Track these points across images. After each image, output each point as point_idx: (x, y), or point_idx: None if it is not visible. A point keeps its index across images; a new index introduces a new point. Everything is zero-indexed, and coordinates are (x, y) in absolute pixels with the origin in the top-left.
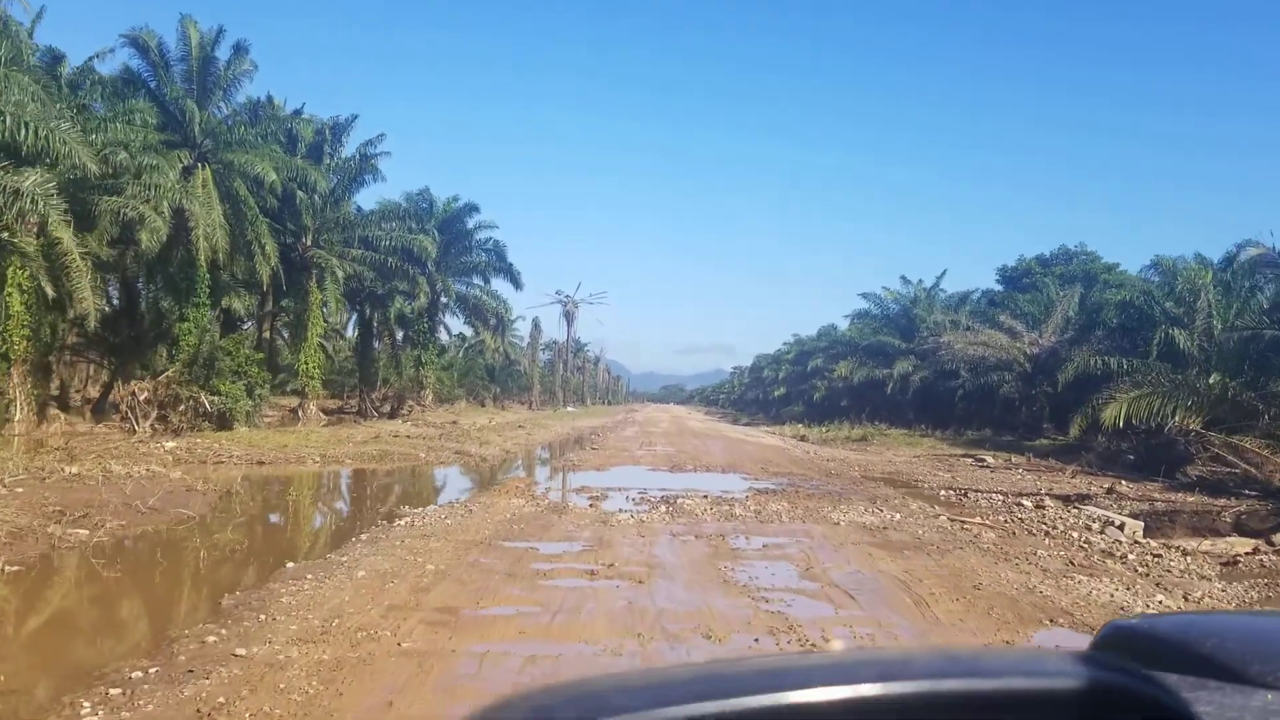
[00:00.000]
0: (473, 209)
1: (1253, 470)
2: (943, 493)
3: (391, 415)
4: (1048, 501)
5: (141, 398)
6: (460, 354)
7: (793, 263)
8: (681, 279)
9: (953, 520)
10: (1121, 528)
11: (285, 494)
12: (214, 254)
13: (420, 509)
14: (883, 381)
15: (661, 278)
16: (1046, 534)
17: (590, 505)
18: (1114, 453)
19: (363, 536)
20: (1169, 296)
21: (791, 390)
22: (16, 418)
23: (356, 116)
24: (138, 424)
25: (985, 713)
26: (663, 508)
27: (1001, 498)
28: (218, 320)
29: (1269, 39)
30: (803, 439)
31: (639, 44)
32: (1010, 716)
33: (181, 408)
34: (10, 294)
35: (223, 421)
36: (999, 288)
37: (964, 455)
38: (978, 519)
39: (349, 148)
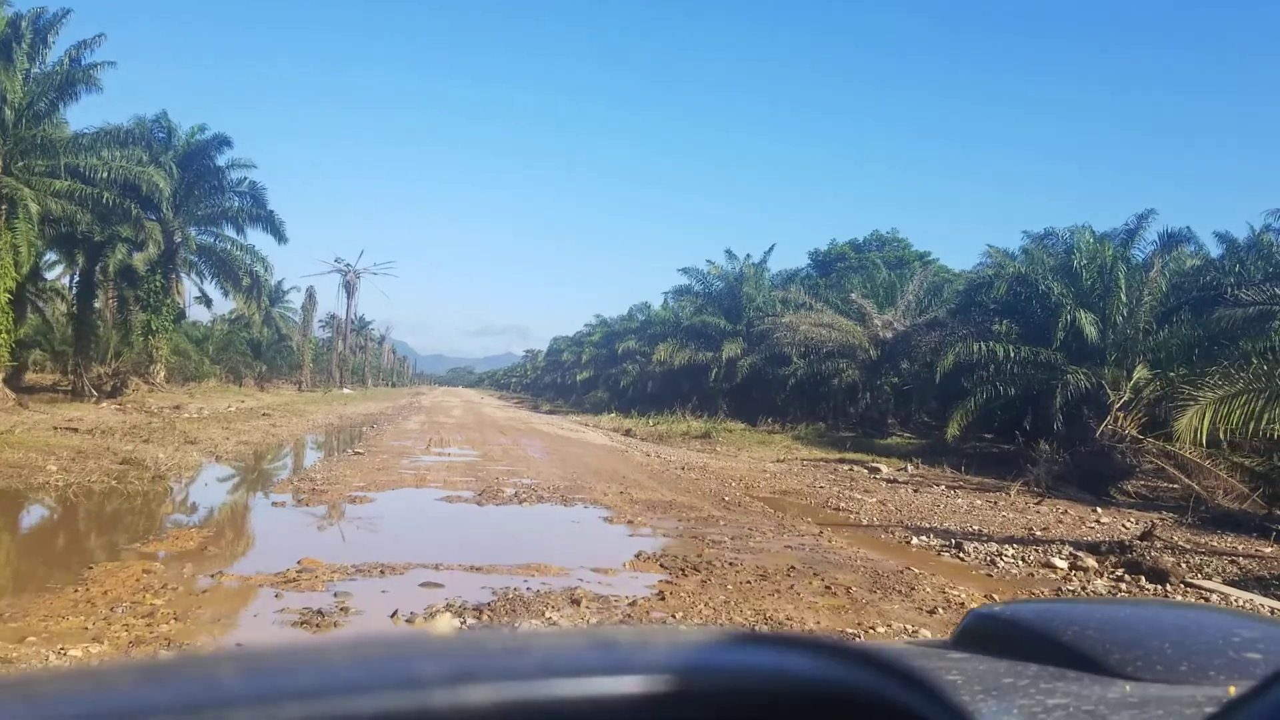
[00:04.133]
0: (224, 142)
1: (1193, 484)
2: (915, 540)
3: (112, 395)
4: (1088, 560)
5: None
6: (224, 326)
7: (593, 243)
8: (475, 257)
9: None
10: None
11: None
12: None
13: None
14: (706, 366)
15: (454, 255)
16: None
17: None
18: (1055, 463)
19: None
20: (1058, 274)
21: (598, 374)
22: None
23: (69, 10)
24: None
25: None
26: None
27: (1014, 551)
28: None
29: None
30: (629, 434)
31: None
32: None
33: None
34: None
35: None
36: (812, 272)
37: (839, 460)
38: None
39: (57, 51)
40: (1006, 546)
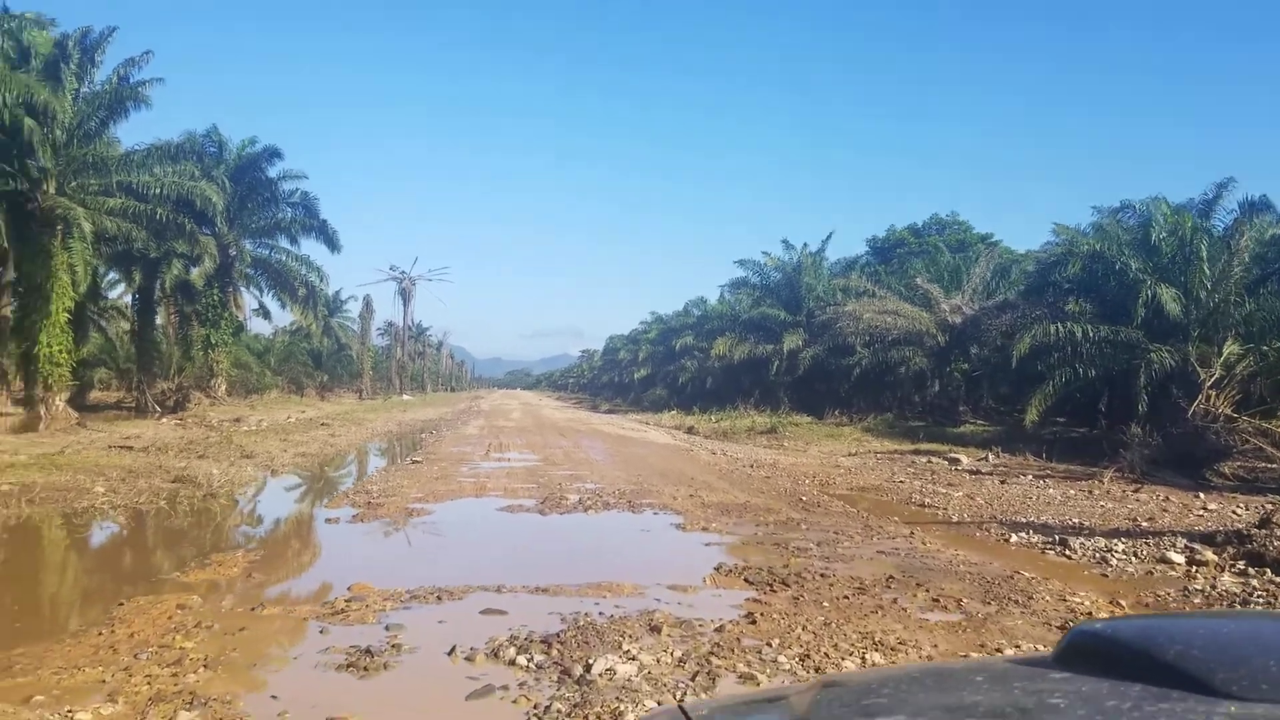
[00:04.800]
0: (274, 154)
1: None
2: (1013, 537)
3: (175, 410)
4: (1206, 554)
5: None
6: (284, 338)
7: (646, 241)
8: (529, 261)
9: None
10: None
11: None
12: None
13: None
14: (767, 359)
15: (508, 260)
16: None
17: None
18: (1146, 447)
19: None
20: (1134, 249)
21: (655, 372)
22: None
23: (114, 28)
24: None
25: None
26: None
27: (1124, 546)
28: None
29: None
30: (692, 431)
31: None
32: None
33: None
34: None
35: None
36: (872, 259)
37: (914, 452)
38: None
39: (105, 70)
40: (1115, 541)
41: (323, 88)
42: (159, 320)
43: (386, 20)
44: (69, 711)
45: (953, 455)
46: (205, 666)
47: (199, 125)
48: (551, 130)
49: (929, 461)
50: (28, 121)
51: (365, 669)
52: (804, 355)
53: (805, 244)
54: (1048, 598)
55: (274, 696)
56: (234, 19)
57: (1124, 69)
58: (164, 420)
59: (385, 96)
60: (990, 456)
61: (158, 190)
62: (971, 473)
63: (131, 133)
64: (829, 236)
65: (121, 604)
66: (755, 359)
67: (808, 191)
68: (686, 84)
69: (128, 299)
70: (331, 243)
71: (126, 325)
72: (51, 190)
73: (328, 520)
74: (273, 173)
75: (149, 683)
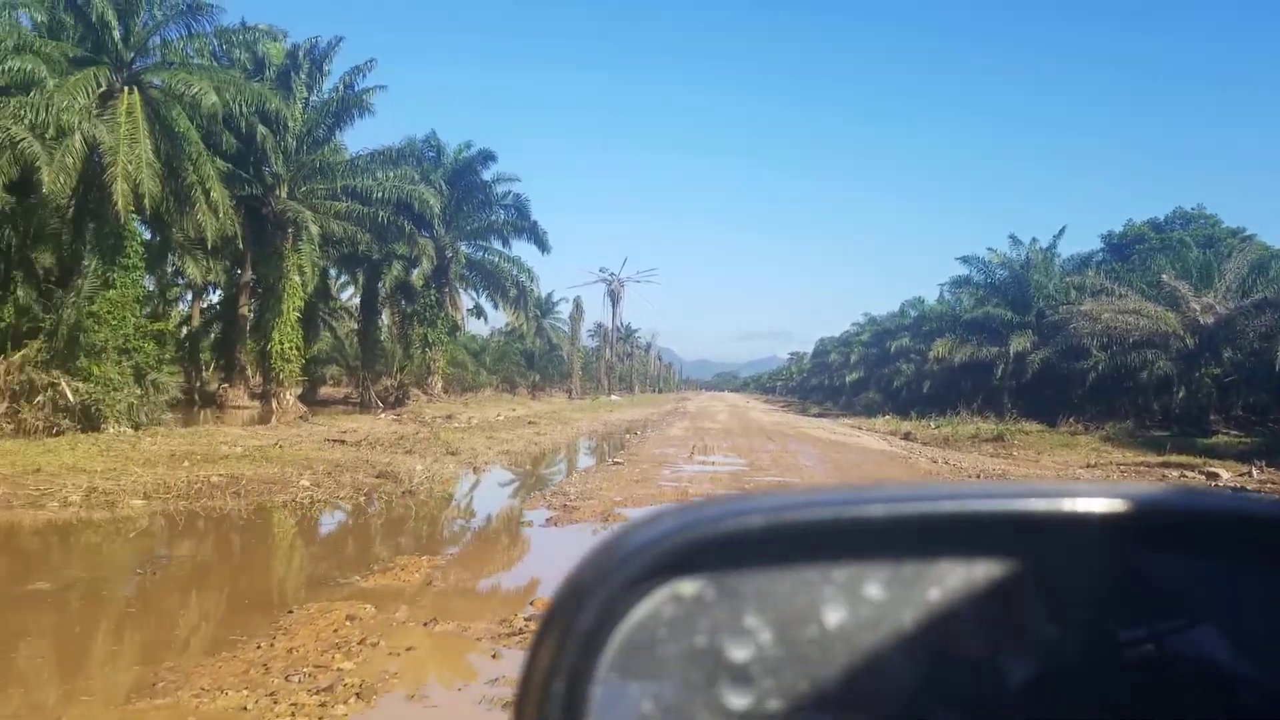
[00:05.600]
0: (489, 157)
1: None
2: None
3: (396, 405)
4: None
5: None
6: (500, 339)
7: (857, 241)
8: (738, 263)
9: None
10: None
11: None
12: (139, 200)
13: None
14: (991, 363)
15: (716, 261)
16: None
17: None
18: None
19: None
20: None
21: (868, 375)
22: None
23: (341, 39)
24: None
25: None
26: None
27: None
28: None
29: None
30: (909, 437)
31: (690, 11)
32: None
33: (39, 399)
34: None
35: (89, 419)
36: (1107, 256)
37: (1162, 465)
38: None
39: (332, 79)
40: None
41: (527, 86)
42: (383, 320)
43: (586, 19)
44: None
45: (1209, 469)
46: (358, 696)
47: (409, 125)
48: (765, 134)
49: (1181, 476)
50: (261, 129)
51: None
52: (1032, 358)
53: (1034, 239)
54: None
55: None
56: (448, 21)
57: None
58: (383, 415)
59: (591, 97)
60: (1254, 471)
61: (379, 194)
62: (1234, 490)
63: (351, 138)
64: (1061, 231)
65: (291, 611)
66: (977, 362)
67: (1033, 185)
68: (904, 75)
69: (356, 300)
70: (541, 244)
71: (354, 325)
72: (283, 195)
73: (521, 523)
74: (487, 175)
75: (292, 713)
